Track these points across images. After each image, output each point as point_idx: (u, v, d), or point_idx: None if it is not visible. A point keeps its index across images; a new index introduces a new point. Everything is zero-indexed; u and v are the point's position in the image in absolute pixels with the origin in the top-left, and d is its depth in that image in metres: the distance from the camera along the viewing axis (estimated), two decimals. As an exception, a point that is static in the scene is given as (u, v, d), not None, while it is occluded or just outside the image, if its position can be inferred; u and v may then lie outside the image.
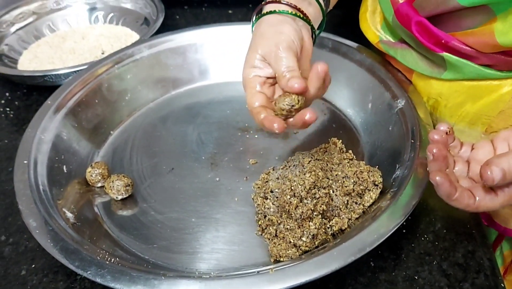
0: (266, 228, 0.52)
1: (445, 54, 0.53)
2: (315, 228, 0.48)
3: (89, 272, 0.43)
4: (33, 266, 0.52)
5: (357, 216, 0.51)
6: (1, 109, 0.76)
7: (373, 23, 0.65)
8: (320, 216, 0.49)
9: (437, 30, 0.52)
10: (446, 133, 0.45)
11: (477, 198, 0.41)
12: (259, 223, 0.53)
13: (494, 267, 0.49)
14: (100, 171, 0.59)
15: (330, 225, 0.50)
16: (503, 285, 0.48)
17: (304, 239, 0.48)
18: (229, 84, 0.76)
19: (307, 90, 0.46)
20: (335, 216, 0.51)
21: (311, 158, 0.55)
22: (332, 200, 0.51)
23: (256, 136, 0.67)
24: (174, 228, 0.55)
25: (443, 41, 0.51)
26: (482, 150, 0.46)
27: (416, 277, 0.48)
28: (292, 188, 0.50)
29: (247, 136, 0.67)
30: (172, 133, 0.68)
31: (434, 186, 0.41)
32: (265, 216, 0.52)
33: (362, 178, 0.53)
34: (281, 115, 0.46)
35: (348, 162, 0.56)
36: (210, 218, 0.55)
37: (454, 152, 0.47)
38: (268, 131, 0.50)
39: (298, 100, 0.45)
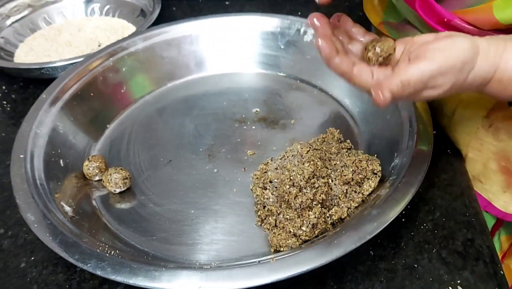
0: (265, 218, 0.52)
1: None
2: (315, 217, 0.48)
3: (89, 264, 0.43)
4: (33, 258, 0.52)
5: (356, 204, 0.51)
6: (-2, 103, 0.76)
7: (377, 5, 0.64)
8: (319, 205, 0.49)
9: (440, 8, 0.51)
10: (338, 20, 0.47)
11: (355, 69, 0.43)
12: (259, 213, 0.53)
13: (493, 255, 0.49)
14: (97, 164, 0.59)
15: (329, 214, 0.50)
16: (502, 273, 0.48)
17: (304, 228, 0.48)
18: (225, 76, 0.76)
19: None
20: (335, 205, 0.51)
21: (310, 147, 0.55)
22: (331, 189, 0.51)
23: (253, 127, 0.66)
24: (173, 220, 0.54)
25: (445, 19, 0.51)
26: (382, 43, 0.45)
27: (416, 266, 0.48)
28: (291, 177, 0.50)
29: (244, 127, 0.67)
30: (169, 126, 0.68)
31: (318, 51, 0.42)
32: (264, 206, 0.52)
33: (361, 166, 0.53)
34: (375, 61, 0.44)
35: (346, 151, 0.57)
36: (208, 209, 0.55)
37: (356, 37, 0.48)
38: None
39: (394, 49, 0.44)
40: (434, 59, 0.40)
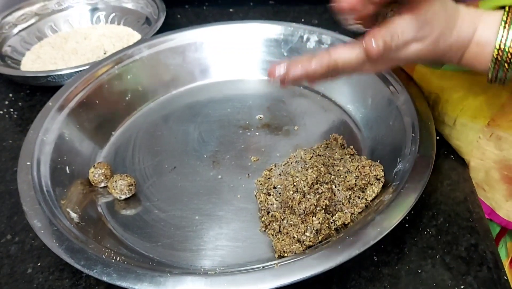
0: (269, 224, 0.52)
1: None
2: (319, 223, 0.48)
3: (95, 270, 0.43)
4: (39, 264, 0.52)
5: (359, 210, 0.51)
6: (5, 110, 0.77)
7: None
8: (323, 211, 0.50)
9: None
10: None
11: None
12: (263, 219, 0.53)
13: (497, 260, 0.49)
14: (103, 171, 0.59)
15: (333, 220, 0.50)
16: (506, 278, 0.48)
17: (307, 234, 0.48)
18: (229, 83, 0.77)
19: None
20: (338, 210, 0.51)
21: (313, 153, 0.55)
22: (334, 194, 0.52)
23: (257, 134, 0.67)
24: (178, 226, 0.55)
25: None
26: None
27: (419, 271, 0.48)
28: (295, 183, 0.50)
29: (248, 134, 0.67)
30: (174, 133, 0.69)
31: None
32: (268, 212, 0.53)
33: (364, 172, 0.53)
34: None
35: (349, 157, 0.57)
36: (213, 216, 0.56)
37: None
38: None
39: None
40: (418, 9, 0.42)
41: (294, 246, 0.48)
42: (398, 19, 0.42)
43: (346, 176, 0.53)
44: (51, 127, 0.61)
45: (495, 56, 0.44)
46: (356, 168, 0.54)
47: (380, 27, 0.43)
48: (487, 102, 0.54)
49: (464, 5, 0.45)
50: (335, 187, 0.52)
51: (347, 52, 0.44)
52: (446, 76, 0.57)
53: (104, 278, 0.43)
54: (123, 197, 0.58)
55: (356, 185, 0.52)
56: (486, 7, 0.47)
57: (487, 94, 0.54)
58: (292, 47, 0.75)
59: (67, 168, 0.59)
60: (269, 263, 0.45)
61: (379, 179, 0.53)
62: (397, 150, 0.55)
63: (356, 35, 0.46)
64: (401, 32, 0.42)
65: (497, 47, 0.44)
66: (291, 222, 0.49)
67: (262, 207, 0.54)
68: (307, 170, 0.52)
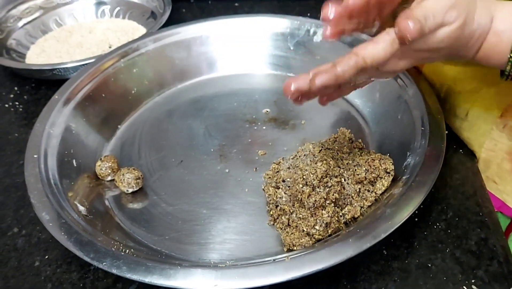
0: (278, 218, 0.52)
1: None
2: (328, 216, 0.48)
3: (105, 263, 0.43)
4: (47, 257, 0.52)
5: (369, 203, 0.51)
6: (10, 104, 0.77)
7: None
8: (332, 204, 0.49)
9: None
10: None
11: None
12: (271, 213, 0.53)
13: (507, 254, 0.49)
14: (109, 164, 0.59)
15: (342, 213, 0.50)
16: (516, 272, 0.48)
17: (317, 227, 0.48)
18: (235, 77, 0.77)
19: None
20: (348, 204, 0.51)
21: (322, 147, 0.55)
22: (344, 188, 0.51)
23: (264, 128, 0.67)
24: (185, 220, 0.55)
25: None
26: None
27: (429, 265, 0.48)
28: (304, 177, 0.50)
29: (255, 128, 0.67)
30: (179, 127, 0.69)
31: None
32: (276, 206, 0.52)
33: (374, 165, 0.53)
34: None
35: (358, 151, 0.57)
36: (220, 209, 0.56)
37: None
38: None
39: None
40: None
41: (303, 240, 0.48)
42: (425, 2, 0.40)
43: (355, 170, 0.53)
44: (58, 120, 0.61)
45: None
46: (366, 161, 0.53)
47: (409, 10, 0.40)
48: (501, 94, 0.54)
49: None
50: (345, 180, 0.52)
51: (373, 48, 0.41)
52: (459, 68, 0.57)
53: (114, 271, 0.42)
54: (130, 190, 0.58)
55: (365, 178, 0.52)
56: None
57: (500, 85, 0.54)
58: (298, 41, 0.74)
59: (74, 161, 0.59)
60: (279, 256, 0.44)
61: (388, 172, 0.53)
62: (406, 144, 0.55)
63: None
64: (433, 13, 0.40)
65: None
66: (300, 216, 0.49)
67: (270, 200, 0.53)
68: (316, 163, 0.51)
